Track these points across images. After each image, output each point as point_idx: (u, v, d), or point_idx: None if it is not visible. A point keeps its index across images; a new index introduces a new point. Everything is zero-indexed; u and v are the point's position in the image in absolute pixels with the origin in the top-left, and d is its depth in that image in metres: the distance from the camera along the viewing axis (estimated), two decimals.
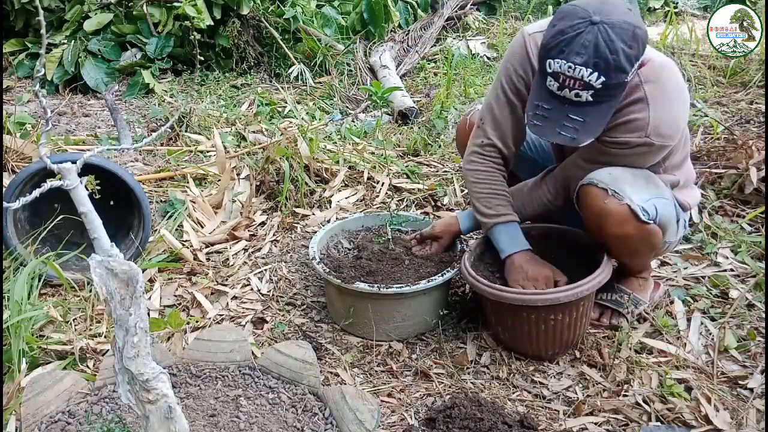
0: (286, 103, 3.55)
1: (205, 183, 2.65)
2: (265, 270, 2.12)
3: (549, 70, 1.38)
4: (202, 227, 2.32)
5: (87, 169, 1.06)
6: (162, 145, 3.04)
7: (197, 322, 1.85)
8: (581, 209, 1.62)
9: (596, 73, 1.33)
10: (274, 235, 2.32)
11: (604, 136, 1.50)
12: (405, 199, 2.52)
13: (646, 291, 1.84)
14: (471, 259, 1.74)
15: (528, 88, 1.60)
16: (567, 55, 1.35)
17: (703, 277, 2.00)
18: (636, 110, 1.48)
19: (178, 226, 2.28)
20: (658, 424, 1.46)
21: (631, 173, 1.57)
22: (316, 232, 2.11)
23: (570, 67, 1.34)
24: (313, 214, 2.45)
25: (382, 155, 2.79)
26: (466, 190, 2.59)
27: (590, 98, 1.37)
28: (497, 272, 1.77)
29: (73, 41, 3.97)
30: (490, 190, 1.73)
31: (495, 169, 1.74)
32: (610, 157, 1.57)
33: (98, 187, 1.08)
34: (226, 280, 2.07)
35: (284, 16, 4.13)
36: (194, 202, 2.41)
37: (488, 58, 4.47)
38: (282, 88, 3.87)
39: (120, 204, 2.07)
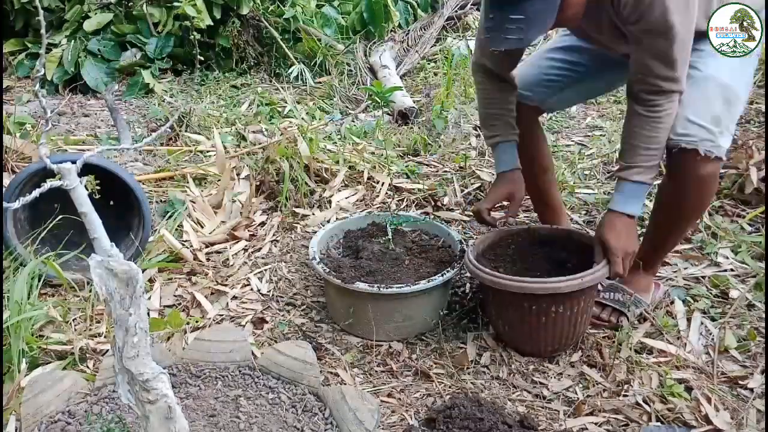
0: (286, 103, 3.54)
1: (205, 183, 2.65)
2: (265, 270, 2.12)
3: None
4: (202, 227, 2.32)
5: (87, 169, 1.06)
6: (162, 145, 3.04)
7: (197, 322, 1.85)
8: (673, 171, 1.59)
9: None
10: (274, 235, 2.32)
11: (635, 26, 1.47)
12: (405, 199, 2.52)
13: (649, 291, 1.84)
14: (474, 254, 1.75)
15: None
16: None
17: (703, 277, 2.00)
18: None
19: (178, 226, 2.28)
20: (658, 424, 1.46)
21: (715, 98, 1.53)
22: (316, 232, 2.10)
23: None
24: (313, 214, 2.45)
25: (382, 155, 2.79)
26: (466, 190, 2.59)
27: None
28: (500, 268, 1.77)
29: (73, 41, 3.97)
30: (486, 111, 1.80)
31: (495, 86, 1.77)
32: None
33: (98, 187, 1.08)
34: (226, 280, 2.07)
35: (284, 16, 4.12)
36: (194, 202, 2.41)
37: None
38: (282, 88, 3.87)
39: (120, 204, 2.07)
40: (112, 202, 2.03)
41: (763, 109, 3.23)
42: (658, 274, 1.97)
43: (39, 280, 1.86)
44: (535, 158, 1.99)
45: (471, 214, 2.42)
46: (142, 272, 1.32)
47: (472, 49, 3.74)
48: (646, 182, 1.58)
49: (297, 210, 2.46)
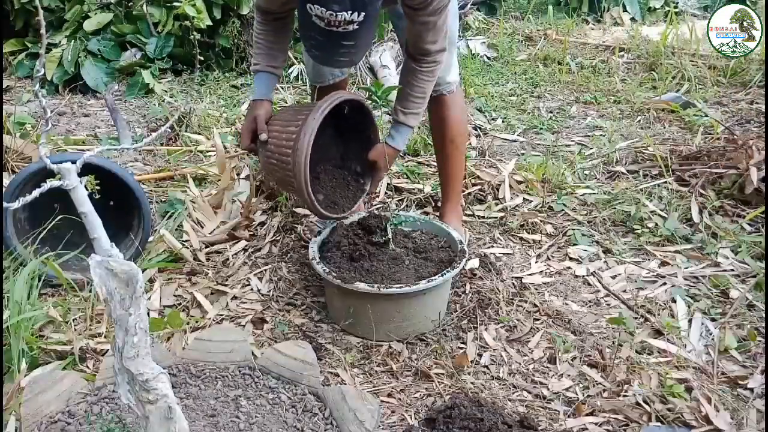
0: (286, 103, 3.54)
1: (205, 183, 2.65)
2: (265, 270, 2.12)
3: (311, 13, 1.46)
4: (202, 227, 2.32)
5: (87, 169, 1.06)
6: (162, 145, 3.04)
7: (197, 322, 1.85)
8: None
9: (356, 12, 1.44)
10: (274, 235, 2.32)
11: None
12: (405, 199, 2.52)
13: (460, 224, 2.26)
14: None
15: None
16: (325, 2, 1.43)
17: (704, 277, 2.00)
18: None
19: (178, 226, 2.28)
20: (659, 424, 1.46)
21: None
22: (319, 233, 2.10)
23: (331, 14, 1.43)
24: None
25: None
26: (466, 191, 2.59)
27: (357, 27, 1.47)
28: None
29: (72, 41, 3.97)
30: (259, 40, 1.86)
31: (269, 24, 1.84)
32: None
33: (98, 187, 1.08)
34: (226, 280, 2.07)
35: None
36: (194, 202, 2.41)
37: (488, 57, 4.47)
38: (282, 88, 3.87)
39: (120, 204, 2.06)
40: (112, 202, 2.03)
41: (764, 109, 3.23)
42: (659, 274, 1.97)
43: (39, 280, 1.85)
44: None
45: (470, 214, 2.43)
46: (142, 272, 1.31)
47: (471, 49, 3.75)
48: (413, 126, 1.94)
49: (297, 210, 2.46)
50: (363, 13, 1.44)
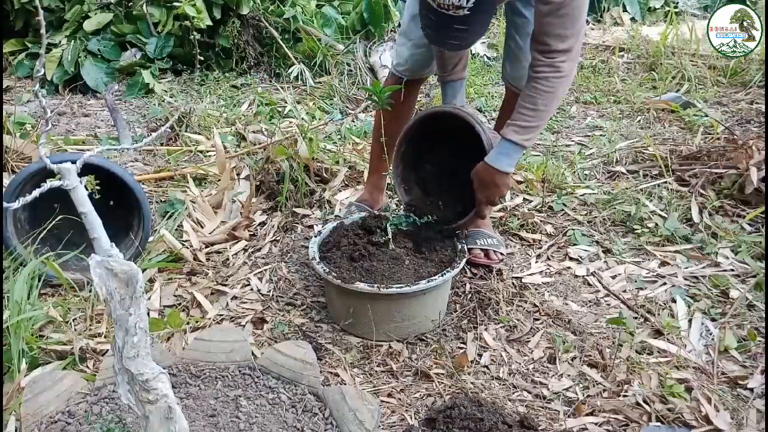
0: (286, 103, 3.54)
1: (205, 183, 2.65)
2: (265, 270, 2.12)
3: None
4: (202, 227, 2.32)
5: (87, 169, 1.06)
6: (162, 145, 3.04)
7: (197, 322, 1.85)
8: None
9: None
10: (274, 235, 2.32)
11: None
12: None
13: (491, 227, 2.19)
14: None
15: None
16: None
17: (704, 277, 2.00)
18: None
19: (178, 226, 2.28)
20: (659, 424, 1.46)
21: None
22: (316, 232, 2.10)
23: None
24: (313, 214, 2.45)
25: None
26: None
27: (467, 12, 1.43)
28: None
29: (72, 41, 3.97)
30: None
31: None
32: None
33: (98, 187, 1.08)
34: (226, 280, 2.07)
35: (284, 16, 4.12)
36: (194, 202, 2.41)
37: (488, 58, 4.47)
38: (282, 88, 3.87)
39: (120, 204, 2.06)
40: (112, 202, 2.03)
41: (764, 109, 3.23)
42: (659, 274, 1.97)
43: (39, 280, 1.86)
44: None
45: None
46: (142, 272, 1.31)
47: (471, 49, 3.74)
48: (518, 143, 1.71)
49: (297, 210, 2.46)
50: (472, 1, 1.41)
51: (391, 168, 1.98)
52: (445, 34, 1.50)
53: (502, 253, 2.11)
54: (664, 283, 1.99)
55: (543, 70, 1.64)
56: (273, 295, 2.01)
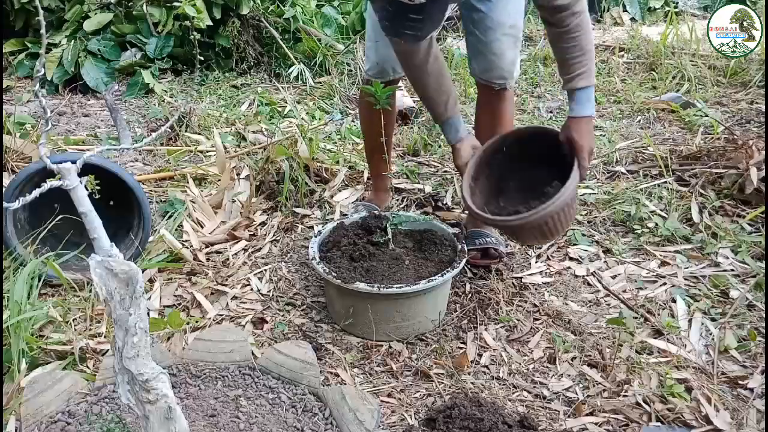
0: (286, 103, 3.55)
1: (205, 183, 2.65)
2: (265, 270, 2.12)
3: None
4: (202, 227, 2.32)
5: (87, 169, 1.06)
6: (162, 145, 3.04)
7: (197, 322, 1.85)
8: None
9: None
10: (274, 235, 2.32)
11: None
12: (405, 199, 2.52)
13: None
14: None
15: None
16: None
17: (704, 277, 2.00)
18: None
19: (178, 226, 2.28)
20: (659, 424, 1.46)
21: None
22: (316, 232, 2.10)
23: None
24: (313, 214, 2.45)
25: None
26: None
27: (422, 0, 1.43)
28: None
29: (72, 41, 3.97)
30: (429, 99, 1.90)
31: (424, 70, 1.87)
32: None
33: (98, 187, 1.08)
34: (226, 280, 2.07)
35: (284, 16, 4.12)
36: (194, 202, 2.41)
37: None
38: (282, 88, 3.87)
39: (120, 204, 2.06)
40: (112, 202, 2.03)
41: (764, 109, 3.23)
42: (659, 273, 1.97)
43: (39, 280, 1.86)
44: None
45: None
46: (142, 272, 1.31)
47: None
48: (591, 84, 1.81)
49: (297, 210, 2.46)
50: None
51: (465, 178, 1.87)
52: (401, 24, 1.52)
53: (502, 251, 2.11)
54: (664, 283, 1.99)
55: (569, 20, 1.71)
56: (273, 295, 2.01)
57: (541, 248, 2.22)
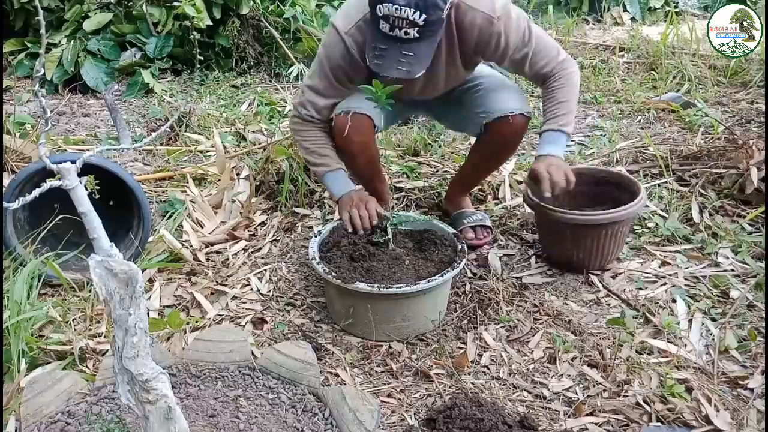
0: (286, 102, 3.54)
1: (205, 183, 2.65)
2: (265, 270, 2.12)
3: (380, 14, 1.63)
4: (202, 227, 2.32)
5: (86, 169, 1.06)
6: (162, 145, 3.04)
7: (197, 322, 1.85)
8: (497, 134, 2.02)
9: (418, 12, 1.59)
10: (274, 235, 2.32)
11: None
12: (405, 199, 2.52)
13: (472, 206, 2.37)
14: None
15: (350, 78, 1.94)
16: None
17: (704, 277, 2.00)
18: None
19: (178, 226, 2.28)
20: (659, 424, 1.46)
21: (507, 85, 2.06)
22: (316, 232, 2.10)
23: (396, 8, 1.59)
24: (313, 214, 2.45)
25: (382, 155, 2.78)
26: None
27: (417, 35, 1.63)
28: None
29: (72, 41, 3.97)
30: (317, 146, 2.01)
31: (320, 130, 2.01)
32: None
33: (98, 187, 1.08)
34: (226, 280, 2.07)
35: (284, 16, 4.12)
36: (194, 202, 2.41)
37: None
38: (282, 87, 3.87)
39: (120, 204, 2.06)
40: (111, 202, 2.03)
41: (764, 109, 3.23)
42: (659, 274, 1.96)
43: (39, 280, 1.86)
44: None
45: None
46: (142, 272, 1.31)
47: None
48: (559, 129, 1.92)
49: (297, 210, 2.46)
50: (424, 16, 1.60)
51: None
52: (395, 60, 1.67)
53: (489, 228, 2.25)
54: (665, 283, 1.99)
55: (556, 77, 1.91)
56: (273, 295, 2.01)
57: (541, 248, 2.22)
